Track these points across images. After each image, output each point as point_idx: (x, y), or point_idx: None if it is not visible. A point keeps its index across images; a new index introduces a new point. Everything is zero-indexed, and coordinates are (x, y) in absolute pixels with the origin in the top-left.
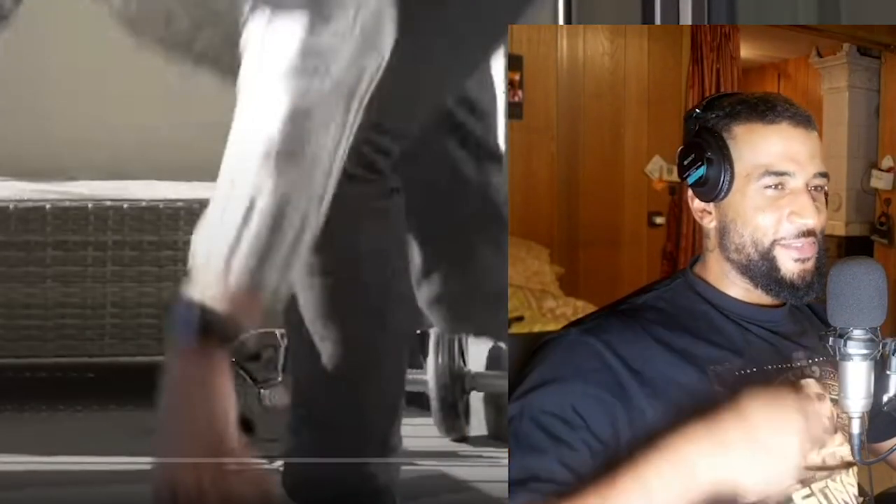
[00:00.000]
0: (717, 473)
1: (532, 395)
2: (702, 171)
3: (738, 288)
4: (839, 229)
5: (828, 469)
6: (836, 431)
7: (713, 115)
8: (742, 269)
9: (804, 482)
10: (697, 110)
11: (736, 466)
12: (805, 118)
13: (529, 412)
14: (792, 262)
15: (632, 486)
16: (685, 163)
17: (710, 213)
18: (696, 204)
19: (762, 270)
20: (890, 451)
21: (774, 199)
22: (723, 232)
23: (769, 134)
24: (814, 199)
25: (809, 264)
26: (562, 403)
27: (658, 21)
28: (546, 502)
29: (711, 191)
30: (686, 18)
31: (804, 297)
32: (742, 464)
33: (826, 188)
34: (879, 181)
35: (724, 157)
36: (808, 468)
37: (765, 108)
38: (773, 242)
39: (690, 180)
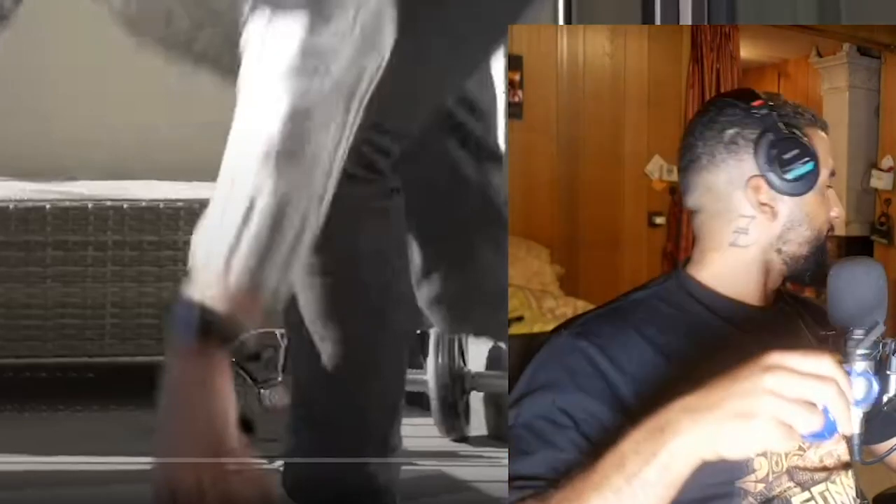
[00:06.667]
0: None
1: (525, 400)
2: (811, 165)
3: (733, 288)
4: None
5: (826, 470)
6: None
7: (783, 114)
8: (795, 262)
9: (802, 485)
10: (767, 105)
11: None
12: None
13: (522, 418)
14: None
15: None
16: (786, 156)
17: (771, 207)
18: (762, 197)
19: (817, 262)
20: (889, 451)
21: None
22: (788, 227)
23: (825, 138)
24: None
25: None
26: (551, 406)
27: (658, 21)
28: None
29: (805, 185)
30: (686, 18)
31: None
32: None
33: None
34: (879, 181)
35: (817, 155)
36: (806, 469)
37: (812, 116)
38: (826, 235)
39: (794, 174)
